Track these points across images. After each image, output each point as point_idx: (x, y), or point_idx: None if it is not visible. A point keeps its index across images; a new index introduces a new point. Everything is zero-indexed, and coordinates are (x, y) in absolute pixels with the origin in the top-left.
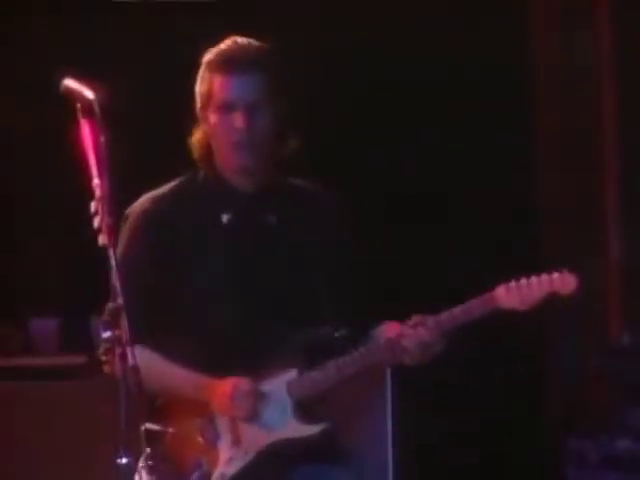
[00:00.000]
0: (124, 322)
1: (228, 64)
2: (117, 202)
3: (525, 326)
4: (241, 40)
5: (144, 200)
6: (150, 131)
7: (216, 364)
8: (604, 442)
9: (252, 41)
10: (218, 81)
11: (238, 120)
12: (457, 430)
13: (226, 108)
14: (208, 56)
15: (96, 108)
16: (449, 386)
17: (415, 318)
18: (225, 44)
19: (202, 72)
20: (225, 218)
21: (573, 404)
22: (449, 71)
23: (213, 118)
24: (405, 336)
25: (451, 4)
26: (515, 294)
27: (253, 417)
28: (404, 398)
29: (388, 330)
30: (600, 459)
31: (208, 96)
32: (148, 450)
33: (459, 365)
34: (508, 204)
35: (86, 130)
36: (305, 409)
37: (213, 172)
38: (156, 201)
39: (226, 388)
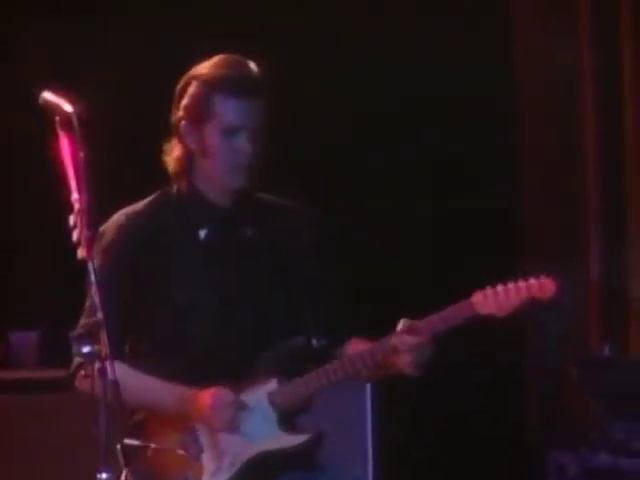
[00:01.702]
0: (104, 337)
1: (237, 87)
2: (97, 215)
3: (505, 339)
4: (241, 60)
5: (118, 216)
6: (134, 140)
7: (196, 377)
8: (585, 455)
9: (251, 62)
10: (225, 103)
11: (245, 144)
12: (437, 443)
13: (232, 131)
14: (206, 73)
15: (75, 121)
16: (430, 400)
17: (404, 322)
18: (226, 64)
19: (198, 88)
20: (203, 233)
21: (554, 417)
22: (433, 78)
23: (213, 139)
24: (397, 336)
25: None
26: (492, 300)
27: (234, 428)
28: (384, 411)
29: (358, 345)
30: (580, 472)
31: (206, 115)
32: (126, 468)
33: (439, 379)
34: (487, 217)
35: (65, 143)
36: (290, 419)
37: (189, 187)
38: (130, 217)
39: (206, 399)
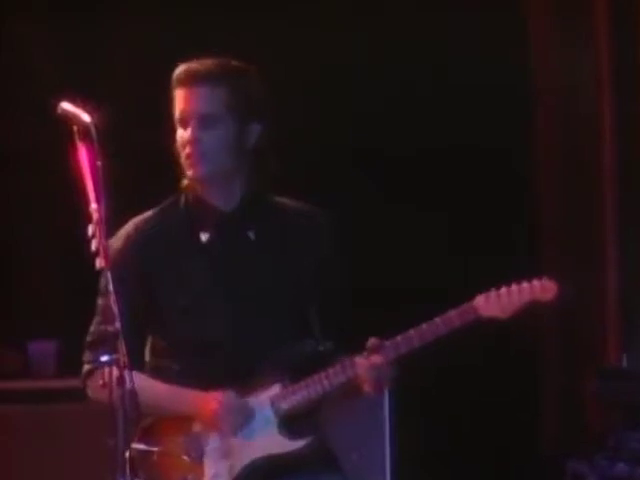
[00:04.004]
0: (122, 346)
1: (183, 78)
2: (114, 225)
3: (523, 349)
4: (199, 58)
5: (127, 226)
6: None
7: (202, 381)
8: (602, 464)
9: (217, 59)
10: (175, 96)
11: (189, 133)
12: (454, 453)
13: (182, 121)
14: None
15: (93, 131)
16: (446, 410)
17: (372, 341)
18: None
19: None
20: (204, 237)
21: (571, 426)
22: (447, 87)
23: (177, 134)
24: (359, 363)
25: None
26: (495, 302)
27: (236, 432)
28: (401, 422)
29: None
30: None
31: (173, 113)
32: (128, 472)
33: (456, 389)
34: (505, 218)
35: (83, 153)
36: (290, 424)
37: (192, 192)
38: (139, 226)
39: (212, 404)
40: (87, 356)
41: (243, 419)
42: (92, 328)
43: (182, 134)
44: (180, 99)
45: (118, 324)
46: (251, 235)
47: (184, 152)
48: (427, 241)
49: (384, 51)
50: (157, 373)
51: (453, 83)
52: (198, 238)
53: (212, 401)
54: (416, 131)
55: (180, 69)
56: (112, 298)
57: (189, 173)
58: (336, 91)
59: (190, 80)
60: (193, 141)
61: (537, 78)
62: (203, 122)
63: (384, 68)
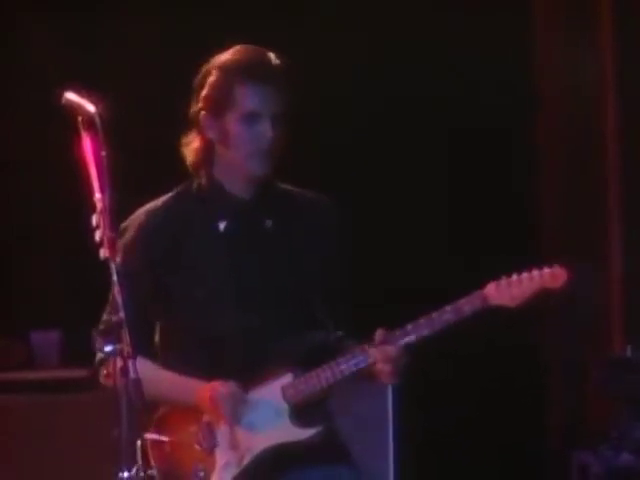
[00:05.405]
0: (126, 336)
1: (256, 73)
2: (118, 215)
3: (527, 340)
4: (259, 49)
5: (139, 213)
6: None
7: (216, 370)
8: (607, 454)
9: (269, 51)
10: (245, 90)
11: (267, 130)
12: (459, 444)
13: (252, 117)
14: (224, 61)
15: (97, 122)
16: (451, 402)
17: (380, 332)
18: (244, 52)
19: (217, 77)
20: (222, 225)
21: (575, 417)
22: (452, 84)
23: (234, 126)
24: (375, 347)
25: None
26: (505, 290)
27: (235, 420)
28: (405, 412)
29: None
30: (603, 472)
31: (226, 103)
32: (140, 462)
33: (460, 380)
34: (508, 215)
35: (87, 144)
36: (302, 413)
37: (209, 179)
38: (151, 214)
39: (206, 392)
40: (99, 343)
41: (241, 408)
42: (104, 316)
43: (254, 129)
44: (253, 94)
45: (122, 314)
46: (268, 224)
47: (255, 148)
48: (427, 241)
49: (384, 51)
50: (165, 361)
51: (453, 83)
52: (216, 226)
53: (209, 390)
54: (416, 131)
55: (243, 61)
56: (116, 288)
57: (255, 169)
58: (336, 91)
59: (262, 76)
60: (273, 140)
61: (541, 78)
62: (276, 121)
63: (384, 68)
